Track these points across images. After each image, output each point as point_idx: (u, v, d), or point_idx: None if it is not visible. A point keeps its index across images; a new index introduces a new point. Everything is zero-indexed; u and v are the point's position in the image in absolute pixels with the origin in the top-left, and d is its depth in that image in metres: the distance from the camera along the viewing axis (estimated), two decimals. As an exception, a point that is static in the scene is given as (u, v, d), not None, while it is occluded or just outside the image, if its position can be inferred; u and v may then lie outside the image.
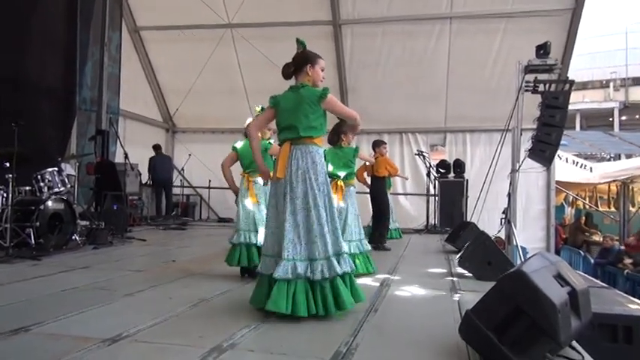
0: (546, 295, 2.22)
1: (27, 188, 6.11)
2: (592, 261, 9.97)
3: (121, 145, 8.42)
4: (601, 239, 11.59)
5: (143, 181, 10.45)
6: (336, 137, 5.38)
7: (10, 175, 5.50)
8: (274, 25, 10.94)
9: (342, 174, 5.26)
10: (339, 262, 3.14)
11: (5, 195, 5.58)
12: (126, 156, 8.09)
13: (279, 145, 3.40)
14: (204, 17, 10.94)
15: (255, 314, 3.20)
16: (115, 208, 7.55)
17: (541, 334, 2.25)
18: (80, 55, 8.44)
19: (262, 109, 4.31)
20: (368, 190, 7.75)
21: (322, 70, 3.51)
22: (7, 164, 5.54)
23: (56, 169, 6.29)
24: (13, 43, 7.14)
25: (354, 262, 4.38)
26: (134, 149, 9.51)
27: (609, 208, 15.56)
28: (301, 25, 10.85)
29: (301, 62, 3.50)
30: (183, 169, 11.88)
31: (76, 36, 8.25)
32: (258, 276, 3.38)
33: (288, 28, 10.96)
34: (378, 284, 4.47)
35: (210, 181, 11.65)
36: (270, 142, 4.57)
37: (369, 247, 5.19)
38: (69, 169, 7.07)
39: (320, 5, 10.67)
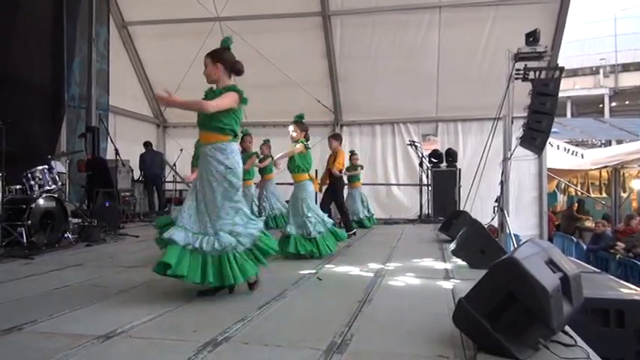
0: (538, 281, 2.24)
1: (17, 187, 6.07)
2: (584, 247, 10.05)
3: (112, 141, 8.35)
4: (593, 225, 11.68)
5: (135, 178, 10.39)
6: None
7: (0, 174, 5.46)
8: (263, 18, 10.88)
9: None
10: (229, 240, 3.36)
11: (-5, 194, 5.54)
12: (117, 152, 8.02)
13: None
14: (192, 11, 10.84)
15: (249, 307, 3.20)
16: (107, 205, 7.51)
17: (534, 320, 2.27)
18: (68, 51, 8.35)
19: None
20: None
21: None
22: (-4, 163, 5.49)
23: (46, 167, 6.24)
24: (-1, 41, 7.06)
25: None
26: (125, 145, 9.44)
27: (601, 194, 15.65)
28: (290, 16, 10.82)
29: None
30: (175, 165, 11.81)
31: (62, 32, 8.17)
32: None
33: (277, 21, 10.93)
34: (372, 274, 4.49)
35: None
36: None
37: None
38: (59, 166, 7.01)
39: (309, -4, 10.61)
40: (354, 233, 7.48)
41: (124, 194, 9.35)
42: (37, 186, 6.04)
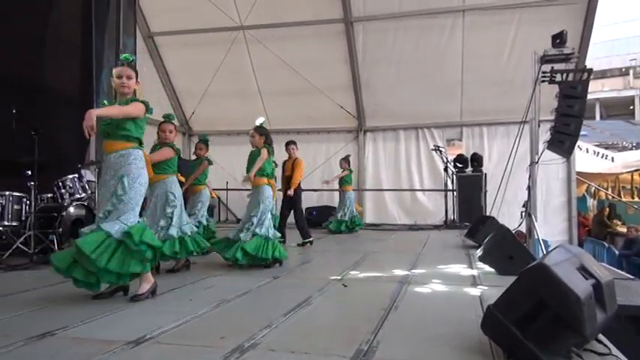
0: (570, 288, 2.18)
1: (49, 195, 6.23)
2: (616, 252, 9.79)
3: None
4: (625, 230, 11.36)
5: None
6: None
7: (32, 183, 5.62)
8: (286, 26, 10.97)
9: None
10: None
11: (28, 202, 5.70)
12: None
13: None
14: (216, 20, 11.02)
15: (275, 314, 3.21)
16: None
17: (566, 328, 2.22)
18: (96, 61, 8.54)
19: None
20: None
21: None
22: (29, 172, 5.64)
23: (77, 175, 6.39)
24: (30, 52, 7.26)
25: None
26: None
27: (633, 198, 15.24)
28: (313, 24, 10.88)
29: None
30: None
31: (91, 43, 8.35)
32: None
33: (299, 28, 11.00)
34: (397, 281, 4.45)
35: (227, 182, 11.73)
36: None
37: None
38: (89, 175, 7.16)
39: (331, 3, 10.65)
40: (311, 242, 7.34)
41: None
42: (67, 194, 6.19)
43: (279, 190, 7.27)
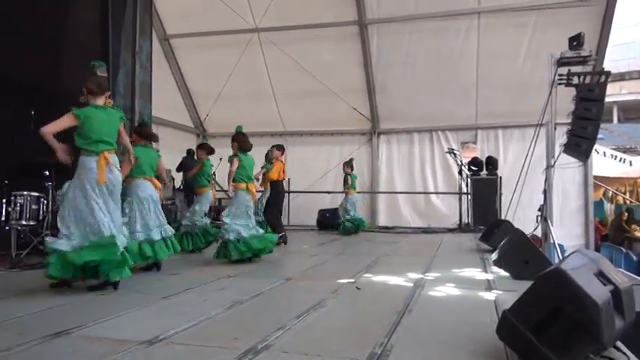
0: (588, 293, 2.15)
1: (66, 195, 6.27)
2: (634, 258, 9.61)
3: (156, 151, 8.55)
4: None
5: (176, 186, 10.62)
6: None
7: (50, 183, 5.70)
8: (300, 28, 11.00)
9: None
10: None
11: (45, 202, 5.77)
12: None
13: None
14: (231, 23, 11.08)
15: (288, 316, 3.20)
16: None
17: (583, 335, 2.18)
18: (112, 63, 8.64)
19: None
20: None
21: None
22: (47, 173, 5.72)
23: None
24: (48, 55, 7.36)
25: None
26: (167, 155, 9.65)
27: (651, 202, 14.97)
28: (327, 26, 10.90)
29: (106, 88, 4.26)
30: (215, 173, 12.02)
31: (108, 45, 8.45)
32: None
33: (314, 30, 11.02)
34: (411, 284, 4.43)
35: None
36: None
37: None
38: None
39: (345, 6, 10.66)
40: (284, 241, 7.66)
41: (165, 202, 9.55)
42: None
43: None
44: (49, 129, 3.89)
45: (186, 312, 3.31)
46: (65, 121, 3.97)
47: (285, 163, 8.31)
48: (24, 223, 5.67)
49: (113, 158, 4.18)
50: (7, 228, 5.70)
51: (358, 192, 10.61)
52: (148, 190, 5.18)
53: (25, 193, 5.72)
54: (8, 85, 6.90)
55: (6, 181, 5.77)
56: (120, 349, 2.53)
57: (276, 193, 7.95)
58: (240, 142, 6.02)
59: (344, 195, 10.05)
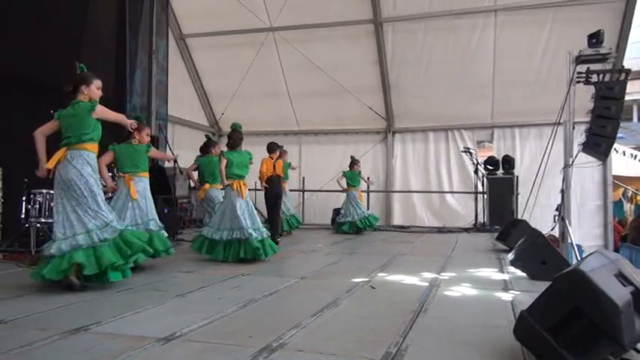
0: (607, 294, 2.11)
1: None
2: (655, 259, 9.44)
3: (171, 149, 8.66)
4: (664, 236, 10.95)
5: (191, 185, 10.70)
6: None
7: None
8: (315, 27, 11.00)
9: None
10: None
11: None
12: (175, 160, 8.30)
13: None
14: (246, 22, 11.14)
15: (303, 315, 3.21)
16: (166, 211, 7.76)
17: (602, 337, 2.15)
18: (129, 63, 8.73)
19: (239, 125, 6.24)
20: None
21: (98, 89, 4.30)
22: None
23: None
24: (67, 55, 7.46)
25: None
26: (183, 153, 9.75)
27: (672, 203, 14.68)
28: (341, 25, 10.88)
29: (78, 83, 4.22)
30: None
31: (125, 45, 8.55)
32: None
33: (329, 29, 11.02)
34: (426, 284, 4.40)
35: (255, 182, 11.80)
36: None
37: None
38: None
39: (360, 4, 10.63)
40: (280, 235, 7.88)
41: (181, 201, 9.64)
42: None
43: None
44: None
45: (202, 310, 3.33)
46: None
47: (281, 162, 8.35)
48: (43, 220, 5.78)
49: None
50: (26, 225, 5.81)
51: (372, 191, 10.57)
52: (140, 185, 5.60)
53: (45, 191, 5.83)
54: (29, 85, 7.03)
55: (26, 180, 5.88)
56: (137, 345, 2.56)
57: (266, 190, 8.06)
58: (229, 139, 6.20)
59: (349, 193, 9.84)
